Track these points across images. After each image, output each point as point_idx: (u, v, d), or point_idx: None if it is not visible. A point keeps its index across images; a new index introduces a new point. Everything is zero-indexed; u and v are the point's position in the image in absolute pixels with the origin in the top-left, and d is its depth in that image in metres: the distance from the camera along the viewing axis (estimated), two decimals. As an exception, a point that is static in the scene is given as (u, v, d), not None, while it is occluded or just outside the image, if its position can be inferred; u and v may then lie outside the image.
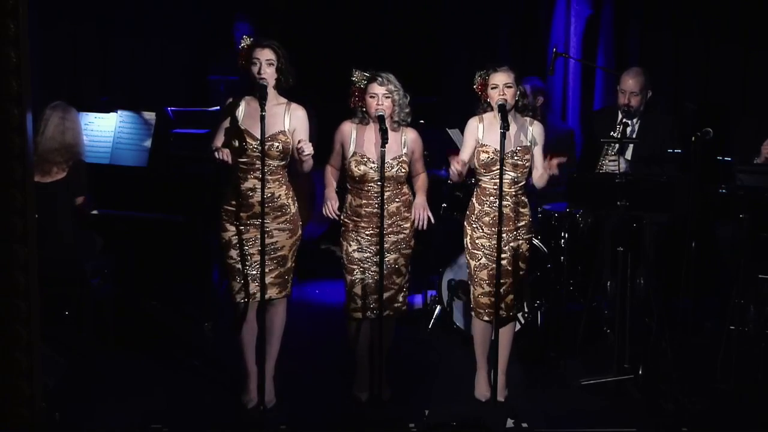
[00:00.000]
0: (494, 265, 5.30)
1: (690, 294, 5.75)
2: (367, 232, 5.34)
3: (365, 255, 5.36)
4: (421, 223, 5.36)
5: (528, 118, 5.42)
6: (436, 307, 6.69)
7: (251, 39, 5.22)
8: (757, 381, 5.68)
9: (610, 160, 6.19)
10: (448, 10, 8.25)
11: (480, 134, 5.37)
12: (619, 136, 6.13)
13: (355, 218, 5.37)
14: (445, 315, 6.58)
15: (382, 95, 5.24)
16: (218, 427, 5.21)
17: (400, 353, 5.87)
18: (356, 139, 5.33)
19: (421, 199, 5.41)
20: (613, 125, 6.42)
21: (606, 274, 6.47)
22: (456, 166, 5.24)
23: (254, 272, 5.23)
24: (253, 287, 5.25)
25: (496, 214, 5.23)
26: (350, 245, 5.39)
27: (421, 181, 5.47)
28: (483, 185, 5.40)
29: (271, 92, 5.17)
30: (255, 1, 8.40)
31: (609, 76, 7.77)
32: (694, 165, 5.51)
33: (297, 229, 5.33)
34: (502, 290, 5.30)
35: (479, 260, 5.42)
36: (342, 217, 5.39)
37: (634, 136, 6.32)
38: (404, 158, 5.34)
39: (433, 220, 5.39)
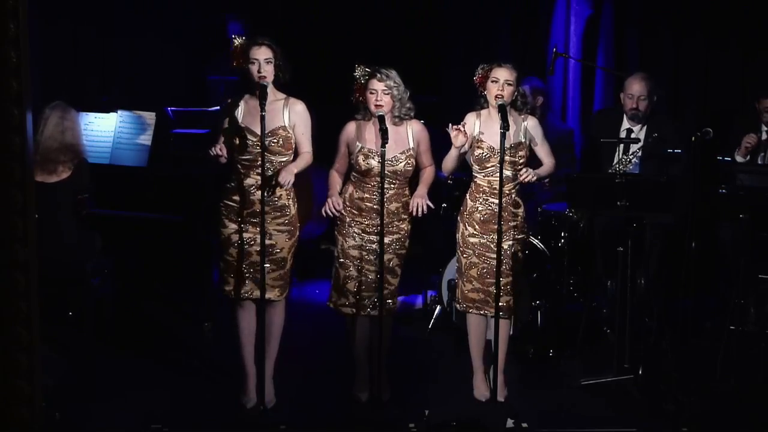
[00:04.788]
0: (484, 264, 5.34)
1: (690, 294, 5.75)
2: (363, 228, 5.34)
3: (362, 252, 5.36)
4: (416, 210, 5.30)
5: (522, 115, 5.42)
6: (436, 307, 6.68)
7: (243, 38, 5.22)
8: (757, 381, 5.68)
9: (627, 160, 6.14)
10: (449, 9, 8.24)
11: (476, 130, 5.38)
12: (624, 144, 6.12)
13: (354, 211, 5.36)
14: (445, 315, 6.58)
15: (381, 91, 5.23)
16: (218, 427, 5.22)
17: (400, 353, 5.87)
18: (362, 134, 5.33)
19: (422, 191, 5.36)
20: (615, 127, 6.39)
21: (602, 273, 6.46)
22: (456, 135, 5.19)
23: (253, 272, 5.24)
24: (251, 287, 5.25)
25: (488, 212, 5.31)
26: (346, 241, 5.38)
27: (427, 174, 5.41)
28: (477, 182, 5.42)
29: (270, 88, 5.16)
30: (248, 1, 8.39)
31: (609, 76, 7.77)
32: (694, 165, 5.51)
33: (296, 230, 5.32)
34: (492, 289, 5.29)
35: (469, 258, 5.43)
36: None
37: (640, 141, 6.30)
38: (412, 152, 5.34)
39: (432, 207, 5.34)
